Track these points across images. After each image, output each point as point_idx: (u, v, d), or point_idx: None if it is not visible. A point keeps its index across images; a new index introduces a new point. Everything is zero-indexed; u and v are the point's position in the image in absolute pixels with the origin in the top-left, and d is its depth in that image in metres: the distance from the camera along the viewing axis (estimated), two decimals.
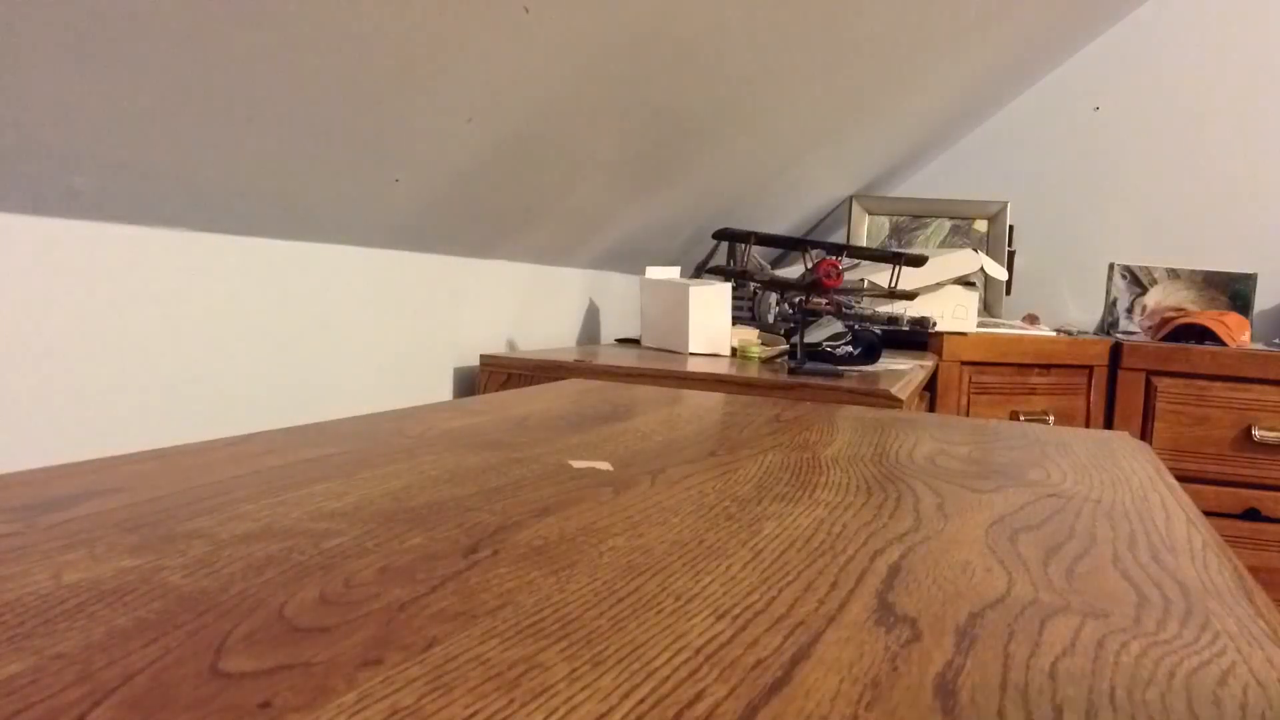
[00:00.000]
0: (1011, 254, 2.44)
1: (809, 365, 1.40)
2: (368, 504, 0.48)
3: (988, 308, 2.35)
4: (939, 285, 1.96)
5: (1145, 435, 2.01)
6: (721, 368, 1.41)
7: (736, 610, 0.35)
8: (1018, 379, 1.97)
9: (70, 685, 0.26)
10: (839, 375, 1.34)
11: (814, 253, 1.43)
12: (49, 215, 0.85)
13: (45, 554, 0.37)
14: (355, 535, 0.42)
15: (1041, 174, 2.59)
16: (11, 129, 0.74)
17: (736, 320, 1.76)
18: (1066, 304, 2.60)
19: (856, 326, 1.47)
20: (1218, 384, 1.97)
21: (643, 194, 1.66)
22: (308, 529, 0.43)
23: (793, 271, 1.93)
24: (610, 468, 0.61)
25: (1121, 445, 0.84)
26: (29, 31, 0.66)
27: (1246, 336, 2.15)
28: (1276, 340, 2.34)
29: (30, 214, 0.84)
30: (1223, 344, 2.08)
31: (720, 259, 2.23)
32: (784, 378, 1.31)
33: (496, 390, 1.29)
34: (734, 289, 1.70)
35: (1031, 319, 2.32)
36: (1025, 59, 2.27)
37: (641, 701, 0.27)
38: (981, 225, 2.44)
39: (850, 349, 1.43)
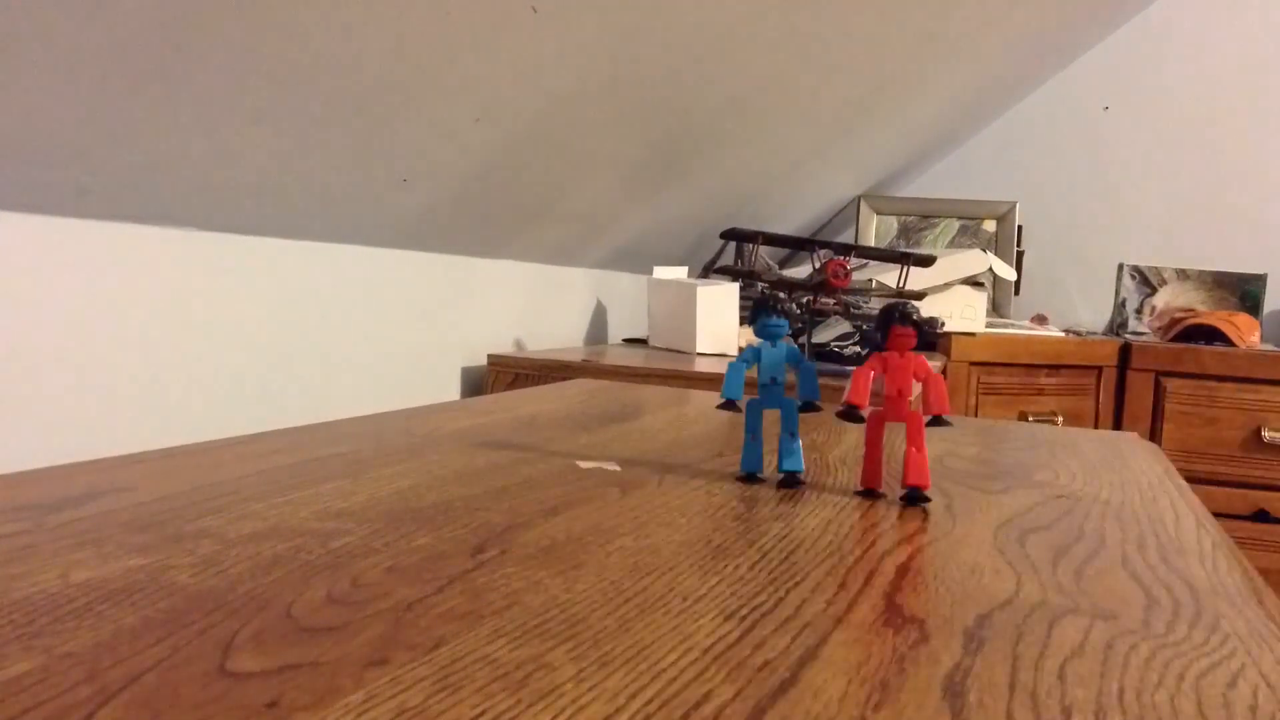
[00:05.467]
0: (1020, 254, 2.43)
1: (816, 365, 1.40)
2: (375, 504, 0.48)
3: (996, 308, 2.35)
4: (947, 285, 1.95)
5: (1154, 436, 2.00)
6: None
7: (744, 611, 0.35)
8: (1026, 379, 1.96)
9: (78, 684, 0.26)
10: (847, 375, 1.33)
11: (822, 253, 1.42)
12: (58, 215, 0.86)
13: (53, 553, 0.38)
14: (363, 535, 0.42)
15: (1050, 174, 2.58)
16: (20, 130, 0.74)
17: (744, 320, 1.75)
18: (1075, 304, 2.59)
19: (864, 327, 1.46)
20: (1227, 385, 1.96)
21: (650, 194, 1.66)
22: (315, 528, 0.43)
23: (800, 271, 1.92)
24: (618, 468, 0.61)
25: (1130, 446, 0.84)
26: (36, 33, 0.66)
27: (1256, 337, 2.14)
28: None
29: (39, 214, 0.84)
30: (1232, 345, 2.07)
31: (728, 259, 2.22)
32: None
33: (504, 390, 1.29)
34: (741, 289, 1.70)
35: (1040, 319, 2.31)
36: (1034, 58, 2.26)
37: (649, 702, 0.27)
38: (990, 225, 2.44)
39: (858, 349, 1.43)
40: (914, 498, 0.55)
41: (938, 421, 0.56)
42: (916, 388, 0.57)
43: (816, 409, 0.58)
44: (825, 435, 0.80)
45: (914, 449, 0.55)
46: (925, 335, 0.56)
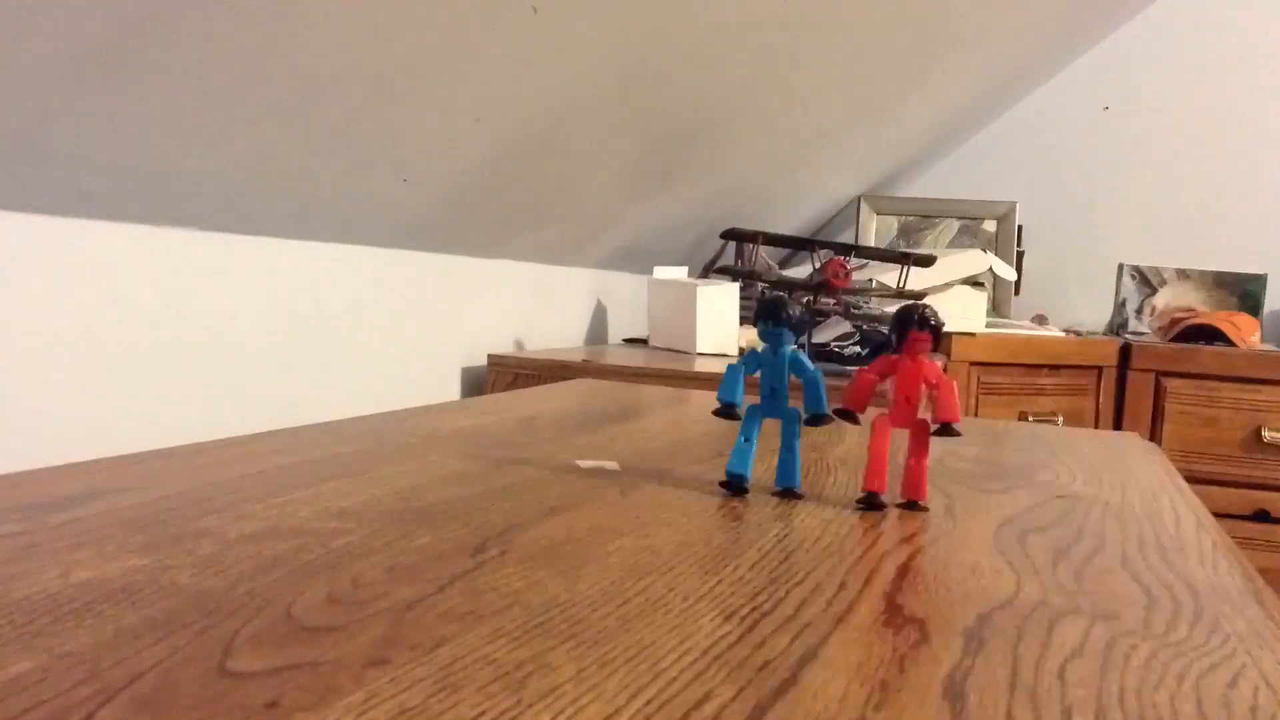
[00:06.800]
0: (1020, 254, 2.43)
1: (816, 365, 1.40)
2: (375, 503, 0.48)
3: (996, 308, 2.35)
4: (947, 286, 1.95)
5: (1154, 436, 2.00)
6: None
7: (744, 611, 0.35)
8: (1026, 380, 1.96)
9: (79, 684, 0.26)
10: (847, 376, 1.33)
11: (822, 253, 1.42)
12: (60, 215, 0.86)
13: (54, 553, 0.38)
14: (363, 535, 0.42)
15: (1050, 174, 2.58)
16: (22, 131, 0.74)
17: (744, 320, 1.75)
18: (1075, 304, 2.59)
19: (864, 327, 1.46)
20: (1227, 385, 1.96)
21: (650, 194, 1.66)
22: (315, 528, 0.43)
23: (801, 271, 1.92)
24: (618, 468, 0.61)
25: (1131, 446, 0.84)
26: (39, 35, 0.66)
27: (1256, 337, 2.14)
28: None
29: (42, 214, 0.84)
30: (1232, 345, 2.07)
31: (728, 259, 2.22)
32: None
33: (504, 390, 1.29)
34: (741, 289, 1.70)
35: (1040, 319, 2.31)
36: (1034, 59, 2.26)
37: (649, 703, 0.27)
38: (990, 225, 2.44)
39: (858, 349, 1.43)
40: (910, 506, 0.55)
41: (945, 430, 0.52)
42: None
43: (825, 421, 0.55)
44: (827, 434, 0.80)
45: (913, 460, 0.54)
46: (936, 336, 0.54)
